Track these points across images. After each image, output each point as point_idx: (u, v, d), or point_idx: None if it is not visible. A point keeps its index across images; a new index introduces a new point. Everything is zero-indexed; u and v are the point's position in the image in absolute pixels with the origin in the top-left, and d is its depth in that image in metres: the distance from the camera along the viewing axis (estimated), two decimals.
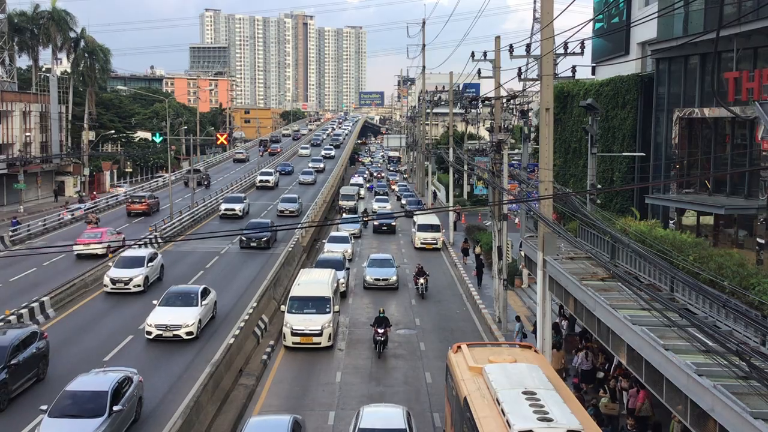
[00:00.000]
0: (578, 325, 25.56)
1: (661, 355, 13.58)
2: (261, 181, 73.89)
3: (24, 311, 27.01)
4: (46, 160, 71.01)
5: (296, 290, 28.57)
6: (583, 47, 26.31)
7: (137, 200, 55.90)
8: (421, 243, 48.08)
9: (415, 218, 51.22)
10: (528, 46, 28.59)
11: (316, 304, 27.34)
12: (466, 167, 53.68)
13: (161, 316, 26.25)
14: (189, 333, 26.00)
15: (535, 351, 18.25)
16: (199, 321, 26.67)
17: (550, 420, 12.53)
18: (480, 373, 15.39)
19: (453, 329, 30.06)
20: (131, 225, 50.69)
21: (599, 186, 33.13)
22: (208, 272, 37.16)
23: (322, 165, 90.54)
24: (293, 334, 26.47)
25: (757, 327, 13.08)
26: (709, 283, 15.65)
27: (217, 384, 20.92)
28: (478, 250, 41.41)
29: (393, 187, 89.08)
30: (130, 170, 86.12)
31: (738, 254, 17.79)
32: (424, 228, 48.88)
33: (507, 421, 12.76)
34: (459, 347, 17.67)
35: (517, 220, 41.58)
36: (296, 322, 26.63)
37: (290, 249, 40.56)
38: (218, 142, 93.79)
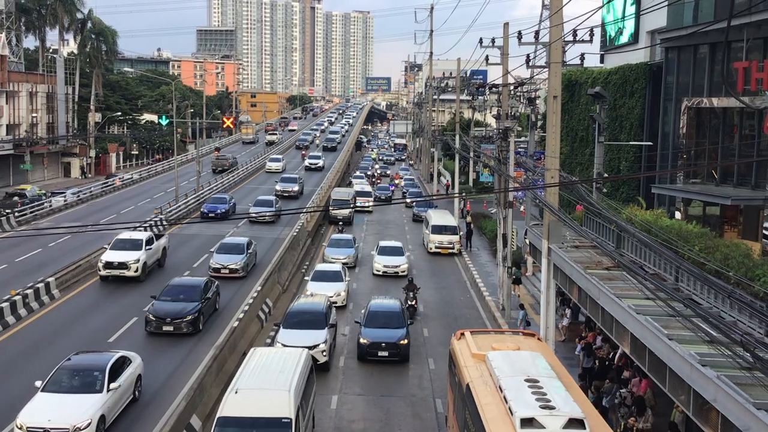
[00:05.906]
0: (582, 313, 25.57)
1: (665, 344, 13.57)
2: (108, 264, 30.87)
3: (29, 291, 27.12)
4: (53, 141, 71.16)
5: (230, 404, 15.32)
6: (592, 35, 26.16)
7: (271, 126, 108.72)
8: (436, 247, 41.99)
9: (427, 217, 45.31)
10: (537, 32, 28.50)
11: None
12: (472, 154, 53.39)
13: (39, 413, 16.66)
14: None
15: (539, 339, 18.26)
16: (102, 418, 17.09)
17: (552, 408, 12.54)
18: (483, 360, 15.41)
19: (456, 316, 30.11)
20: None
21: (606, 175, 32.98)
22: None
23: (296, 188, 56.36)
24: None
25: (761, 318, 13.05)
26: (714, 273, 15.62)
27: (221, 366, 21.03)
28: (469, 219, 47.38)
29: (397, 181, 77.57)
30: (136, 152, 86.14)
31: (744, 245, 17.74)
32: (438, 230, 42.67)
33: (509, 409, 12.78)
34: (462, 334, 17.67)
35: (522, 208, 41.50)
36: None
37: (295, 233, 40.50)
38: (224, 126, 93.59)
